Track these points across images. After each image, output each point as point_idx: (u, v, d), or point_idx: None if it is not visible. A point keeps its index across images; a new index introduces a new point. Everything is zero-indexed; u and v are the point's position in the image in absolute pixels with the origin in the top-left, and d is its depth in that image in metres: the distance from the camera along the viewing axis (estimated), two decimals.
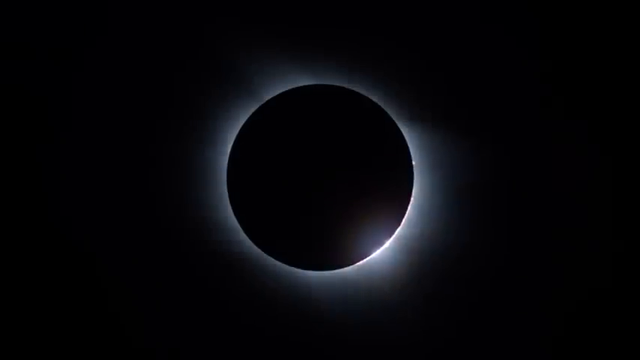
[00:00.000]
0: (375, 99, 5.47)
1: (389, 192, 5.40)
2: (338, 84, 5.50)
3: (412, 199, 5.42)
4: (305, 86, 5.49)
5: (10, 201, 5.42)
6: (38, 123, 5.44)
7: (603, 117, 5.44)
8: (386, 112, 5.46)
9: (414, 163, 5.45)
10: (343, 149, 5.40)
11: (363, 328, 5.41)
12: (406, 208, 5.42)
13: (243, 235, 5.41)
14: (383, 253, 5.42)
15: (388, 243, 5.41)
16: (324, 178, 5.37)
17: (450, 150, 5.45)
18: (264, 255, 5.40)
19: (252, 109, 5.47)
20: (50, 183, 5.42)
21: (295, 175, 5.38)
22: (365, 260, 5.39)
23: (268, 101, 5.47)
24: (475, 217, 5.44)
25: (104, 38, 5.46)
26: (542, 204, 5.42)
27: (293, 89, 5.47)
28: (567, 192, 5.42)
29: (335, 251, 5.35)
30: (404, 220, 5.42)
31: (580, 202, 5.42)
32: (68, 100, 5.46)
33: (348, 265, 5.38)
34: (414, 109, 5.46)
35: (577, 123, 5.44)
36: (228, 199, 5.44)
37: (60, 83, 5.44)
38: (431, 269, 5.43)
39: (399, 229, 5.40)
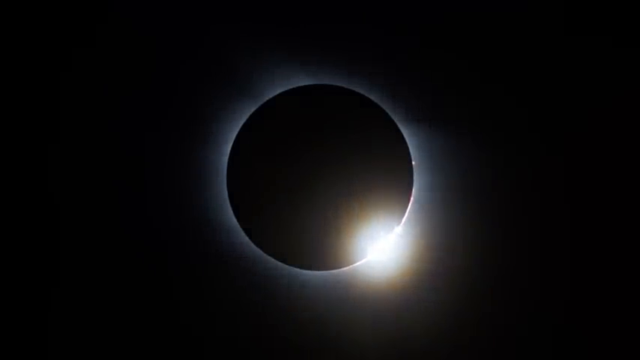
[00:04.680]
0: (374, 99, 5.47)
1: (389, 192, 5.40)
2: (338, 84, 5.50)
3: (412, 198, 5.42)
4: (305, 86, 5.50)
5: (10, 200, 5.44)
6: (40, 123, 5.46)
7: (602, 117, 5.43)
8: (386, 112, 5.46)
9: (414, 163, 5.44)
10: (343, 149, 5.40)
11: (362, 328, 5.40)
12: (406, 208, 5.42)
13: (242, 235, 5.41)
14: (382, 252, 5.42)
15: (387, 243, 5.41)
16: (323, 178, 5.37)
17: (450, 150, 5.45)
18: (264, 255, 5.41)
19: (252, 109, 5.48)
20: (51, 183, 5.43)
21: (295, 175, 5.38)
22: (364, 260, 5.40)
23: (268, 101, 5.47)
24: (474, 217, 5.43)
25: (105, 38, 5.47)
26: (540, 203, 5.41)
27: (292, 89, 5.48)
28: (566, 191, 5.41)
29: (334, 251, 5.35)
30: (404, 220, 5.42)
31: (579, 201, 5.41)
32: (69, 99, 5.48)
33: (348, 265, 5.38)
34: (414, 109, 5.46)
35: (575, 122, 5.43)
36: (228, 199, 5.44)
37: (60, 83, 5.46)
38: (430, 269, 5.42)
39: (398, 229, 5.40)
